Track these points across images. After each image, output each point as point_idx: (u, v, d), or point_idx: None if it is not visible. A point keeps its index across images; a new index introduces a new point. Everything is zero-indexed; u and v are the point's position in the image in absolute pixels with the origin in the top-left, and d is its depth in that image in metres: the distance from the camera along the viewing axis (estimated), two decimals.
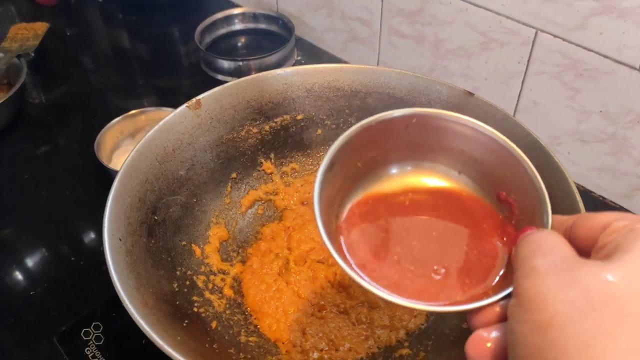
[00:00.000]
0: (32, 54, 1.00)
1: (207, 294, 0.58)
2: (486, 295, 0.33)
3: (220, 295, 0.59)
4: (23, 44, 0.99)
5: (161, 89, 0.99)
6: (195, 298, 0.56)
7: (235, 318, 0.58)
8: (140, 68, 1.06)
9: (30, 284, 0.67)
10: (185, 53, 1.07)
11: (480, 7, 0.75)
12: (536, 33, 0.71)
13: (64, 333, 0.60)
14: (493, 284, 0.34)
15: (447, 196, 0.40)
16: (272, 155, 0.69)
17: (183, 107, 0.62)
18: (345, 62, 1.01)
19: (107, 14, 1.18)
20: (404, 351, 0.56)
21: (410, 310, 0.58)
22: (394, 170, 0.41)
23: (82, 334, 0.59)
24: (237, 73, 0.95)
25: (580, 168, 0.76)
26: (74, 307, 0.63)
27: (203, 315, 0.55)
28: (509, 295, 0.30)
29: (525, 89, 0.76)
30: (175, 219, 0.60)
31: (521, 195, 0.36)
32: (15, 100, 0.88)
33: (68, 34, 1.13)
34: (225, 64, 0.96)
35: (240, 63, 0.95)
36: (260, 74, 0.66)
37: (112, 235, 0.50)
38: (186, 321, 0.51)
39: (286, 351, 0.56)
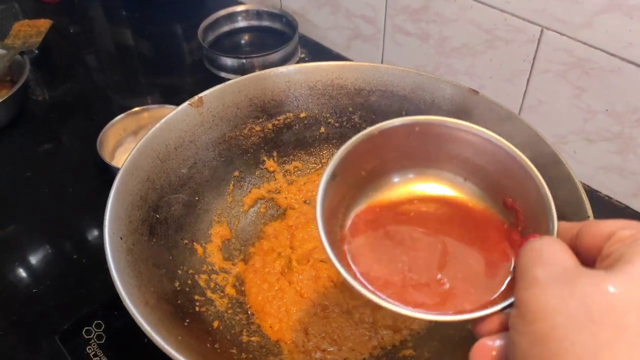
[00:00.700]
0: (35, 51, 1.00)
1: (208, 293, 0.58)
2: (493, 303, 0.32)
3: (222, 294, 0.59)
4: (26, 41, 0.99)
5: (164, 87, 0.98)
6: (196, 297, 0.56)
7: (237, 317, 0.58)
8: (143, 65, 1.05)
9: (32, 282, 0.67)
10: (189, 50, 1.07)
11: (485, 4, 0.74)
12: (542, 31, 0.70)
13: (65, 331, 0.60)
14: (500, 291, 0.34)
15: (452, 204, 0.39)
16: (274, 154, 0.69)
17: (185, 104, 0.61)
18: (349, 60, 1.00)
19: (110, 11, 1.18)
20: (408, 352, 0.55)
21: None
22: (397, 179, 0.40)
23: (83, 333, 0.59)
24: (241, 71, 0.95)
25: (586, 167, 0.76)
26: (75, 306, 0.63)
27: (205, 314, 0.55)
28: (512, 304, 0.30)
29: (530, 88, 0.76)
30: (177, 218, 0.60)
31: (527, 202, 0.36)
32: (18, 98, 0.88)
33: (71, 31, 1.13)
34: (229, 61, 0.95)
35: (244, 61, 0.94)
36: (263, 72, 0.65)
37: (113, 233, 0.49)
38: (187, 320, 0.51)
39: (288, 351, 0.55)
